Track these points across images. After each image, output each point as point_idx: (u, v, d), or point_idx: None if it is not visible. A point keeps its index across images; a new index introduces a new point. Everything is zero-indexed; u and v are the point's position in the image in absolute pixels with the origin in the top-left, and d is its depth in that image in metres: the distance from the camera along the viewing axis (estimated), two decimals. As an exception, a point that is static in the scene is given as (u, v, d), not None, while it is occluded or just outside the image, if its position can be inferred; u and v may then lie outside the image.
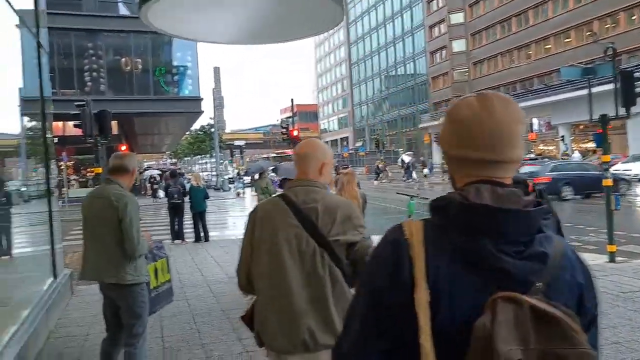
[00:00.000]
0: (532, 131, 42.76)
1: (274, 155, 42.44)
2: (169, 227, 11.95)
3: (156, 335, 5.03)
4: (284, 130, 22.60)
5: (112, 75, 26.16)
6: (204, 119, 62.37)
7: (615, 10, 39.85)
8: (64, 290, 6.43)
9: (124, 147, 18.77)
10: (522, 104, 44.03)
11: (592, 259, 7.97)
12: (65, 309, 6.18)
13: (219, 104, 45.63)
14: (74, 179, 28.04)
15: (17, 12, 5.70)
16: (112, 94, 25.99)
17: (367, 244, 2.10)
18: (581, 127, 45.99)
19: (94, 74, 25.78)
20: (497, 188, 1.00)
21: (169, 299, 4.13)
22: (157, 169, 40.75)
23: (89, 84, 25.59)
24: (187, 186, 12.38)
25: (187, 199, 11.89)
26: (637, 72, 8.24)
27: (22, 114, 8.33)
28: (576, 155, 36.07)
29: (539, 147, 44.86)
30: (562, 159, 32.88)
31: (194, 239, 11.76)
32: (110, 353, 3.67)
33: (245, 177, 31.34)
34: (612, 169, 27.07)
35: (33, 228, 7.42)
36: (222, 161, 51.93)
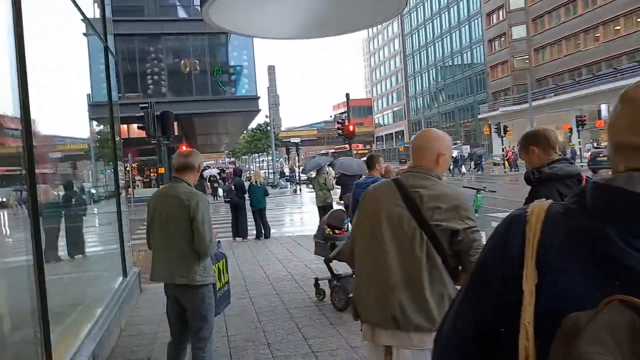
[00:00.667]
0: (600, 118, 40.43)
1: (333, 150, 42.39)
2: (230, 225, 12.15)
3: (222, 334, 5.05)
4: (340, 125, 22.44)
5: (172, 77, 27.00)
6: (261, 118, 63.45)
7: (694, -15, 36.84)
8: (134, 288, 6.63)
9: (184, 147, 19.32)
10: (589, 90, 41.74)
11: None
12: (135, 307, 6.36)
13: (274, 102, 46.17)
14: (139, 180, 29.21)
15: (85, 19, 5.88)
16: (173, 95, 26.81)
17: (472, 237, 2.12)
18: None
19: (156, 77, 26.71)
20: None
21: (228, 301, 4.10)
22: (217, 168, 41.76)
23: (151, 87, 26.53)
24: (246, 184, 12.53)
25: (247, 196, 12.02)
26: None
27: (91, 119, 8.70)
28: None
29: (609, 135, 42.29)
30: None
31: (255, 236, 11.89)
32: (177, 357, 3.65)
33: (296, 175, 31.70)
34: None
35: (103, 228, 7.70)
36: (278, 158, 52.57)
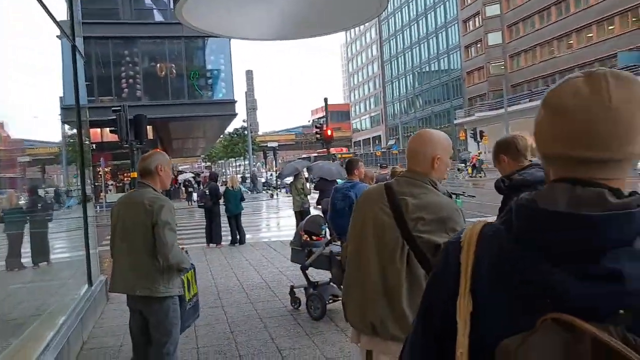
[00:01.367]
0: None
1: (316, 154, 42.21)
2: (204, 231, 11.86)
3: (191, 346, 4.82)
4: (318, 130, 22.32)
5: (147, 81, 26.55)
6: (238, 122, 63.04)
7: (661, -5, 37.92)
8: (99, 298, 6.33)
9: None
10: (563, 97, 42.43)
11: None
12: (100, 317, 6.06)
13: (251, 107, 45.96)
14: (112, 184, 28.57)
15: (50, 16, 5.61)
16: (148, 99, 26.33)
17: None
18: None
19: (131, 80, 26.22)
20: (576, 187, 0.79)
21: (197, 314, 3.87)
22: (192, 172, 41.22)
23: (126, 90, 26.03)
24: (221, 189, 12.27)
25: (222, 201, 11.76)
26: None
27: (63, 122, 8.38)
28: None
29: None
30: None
31: (229, 242, 11.63)
32: None
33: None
34: None
35: (70, 234, 7.40)
36: (255, 163, 52.22)
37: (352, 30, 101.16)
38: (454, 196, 7.97)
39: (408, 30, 76.46)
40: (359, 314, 2.17)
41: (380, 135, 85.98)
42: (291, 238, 6.68)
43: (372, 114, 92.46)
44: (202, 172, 42.95)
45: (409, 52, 76.61)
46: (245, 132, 48.61)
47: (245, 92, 48.69)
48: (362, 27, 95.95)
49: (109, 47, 25.93)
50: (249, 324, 5.47)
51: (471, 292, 0.84)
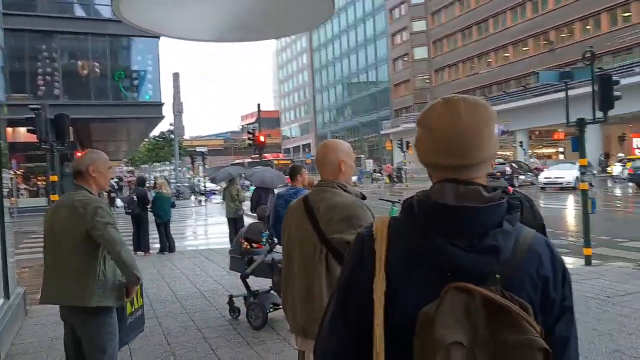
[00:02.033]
0: (491, 137, 43.71)
1: (250, 160, 41.65)
2: (131, 238, 11.27)
3: (125, 360, 4.52)
4: (251, 135, 22.06)
5: (67, 79, 24.98)
6: (163, 125, 60.97)
7: (570, 20, 41.32)
8: (17, 312, 5.79)
9: (79, 154, 17.85)
10: (482, 111, 44.94)
11: (567, 263, 7.93)
12: (19, 334, 5.54)
13: (178, 110, 44.62)
14: (24, 189, 26.54)
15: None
16: (68, 98, 24.77)
17: None
18: (537, 133, 47.51)
19: (48, 77, 24.54)
20: (460, 186, 1.04)
21: (141, 328, 3.62)
22: (115, 177, 39.28)
23: (43, 88, 24.33)
24: (150, 195, 11.75)
25: (150, 207, 11.26)
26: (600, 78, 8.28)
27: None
28: (533, 160, 36.98)
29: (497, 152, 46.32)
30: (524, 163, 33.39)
31: (158, 250, 11.13)
32: None
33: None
34: (542, 176, 26.13)
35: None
36: (181, 168, 50.72)
37: (283, 37, 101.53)
38: (390, 203, 8.17)
39: (338, 40, 77.82)
40: (291, 317, 2.39)
41: (310, 144, 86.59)
42: (222, 246, 6.49)
43: (302, 122, 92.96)
44: (125, 177, 41.03)
45: (339, 63, 77.95)
46: (172, 135, 47.09)
47: (173, 95, 47.24)
48: (292, 35, 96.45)
49: (24, 41, 24.18)
50: (187, 335, 5.23)
51: (386, 275, 1.04)
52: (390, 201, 8.12)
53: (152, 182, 21.91)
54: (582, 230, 8.57)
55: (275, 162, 46.91)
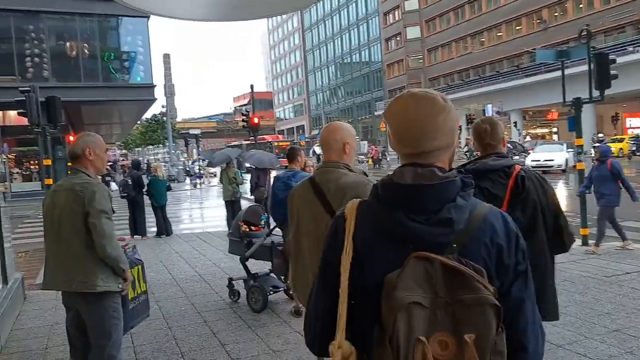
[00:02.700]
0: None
1: (247, 142, 41.05)
2: (127, 222, 11.22)
3: (127, 345, 4.49)
4: (244, 117, 21.85)
5: (56, 60, 24.51)
6: (156, 108, 60.40)
7: (563, -1, 40.99)
8: (16, 297, 5.75)
9: (72, 138, 17.65)
10: (476, 91, 44.89)
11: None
12: (18, 319, 5.52)
13: (170, 92, 44.04)
14: (17, 172, 26.29)
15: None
16: (57, 80, 24.36)
17: None
18: (530, 113, 47.49)
19: (37, 59, 24.09)
20: (418, 168, 1.18)
21: (146, 313, 3.60)
22: (109, 161, 38.99)
23: (31, 70, 23.90)
24: (145, 178, 11.66)
25: (146, 191, 11.18)
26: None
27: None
28: (528, 140, 36.98)
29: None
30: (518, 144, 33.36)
31: (155, 234, 11.09)
32: None
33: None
34: (530, 159, 24.70)
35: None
36: (174, 151, 50.38)
37: (274, 17, 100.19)
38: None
39: (330, 20, 76.93)
40: (303, 299, 2.48)
41: (304, 125, 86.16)
42: (220, 229, 6.45)
43: (295, 104, 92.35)
44: (118, 160, 40.73)
45: (331, 43, 77.18)
46: (164, 118, 46.63)
47: (164, 76, 46.61)
48: (283, 14, 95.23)
49: (10, 21, 23.66)
50: (187, 319, 5.23)
51: (355, 248, 1.19)
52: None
53: (145, 165, 21.75)
54: (577, 211, 8.60)
55: (275, 143, 46.53)
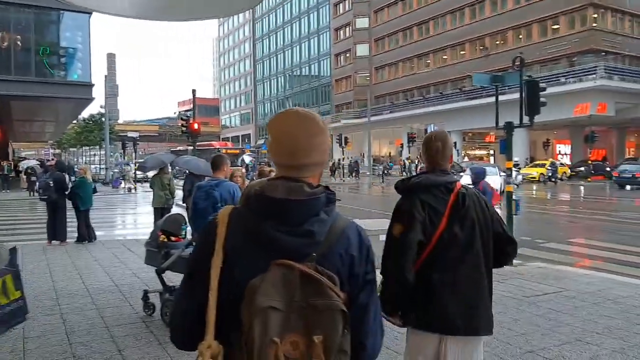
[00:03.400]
0: (427, 137, 44.96)
1: (191, 148, 39.76)
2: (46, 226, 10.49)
3: (17, 362, 4.08)
4: (184, 122, 21.23)
5: (-17, 51, 23.04)
6: (95, 108, 58.02)
7: (504, 29, 43.09)
8: None
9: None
10: (419, 111, 46.17)
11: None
12: None
13: (112, 93, 42.48)
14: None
15: None
16: (-17, 72, 22.86)
17: None
18: (470, 135, 49.37)
19: (-38, 48, 22.53)
20: (289, 182, 1.27)
21: (17, 320, 3.25)
22: (38, 160, 36.94)
23: (-45, 59, 22.32)
24: (67, 180, 10.99)
25: (68, 193, 10.51)
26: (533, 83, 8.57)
27: None
28: (466, 161, 38.26)
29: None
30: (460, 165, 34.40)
31: (76, 239, 10.42)
32: None
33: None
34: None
35: None
36: (112, 153, 48.50)
37: (225, 25, 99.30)
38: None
39: (282, 32, 77.13)
40: None
41: (250, 134, 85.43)
42: (147, 236, 6.08)
43: (243, 112, 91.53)
44: (50, 160, 38.62)
45: (282, 54, 77.32)
46: (103, 119, 44.80)
47: (105, 76, 44.90)
48: (235, 23, 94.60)
49: None
50: (93, 334, 4.83)
51: (225, 253, 1.24)
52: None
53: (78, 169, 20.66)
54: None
55: (224, 150, 45.66)
